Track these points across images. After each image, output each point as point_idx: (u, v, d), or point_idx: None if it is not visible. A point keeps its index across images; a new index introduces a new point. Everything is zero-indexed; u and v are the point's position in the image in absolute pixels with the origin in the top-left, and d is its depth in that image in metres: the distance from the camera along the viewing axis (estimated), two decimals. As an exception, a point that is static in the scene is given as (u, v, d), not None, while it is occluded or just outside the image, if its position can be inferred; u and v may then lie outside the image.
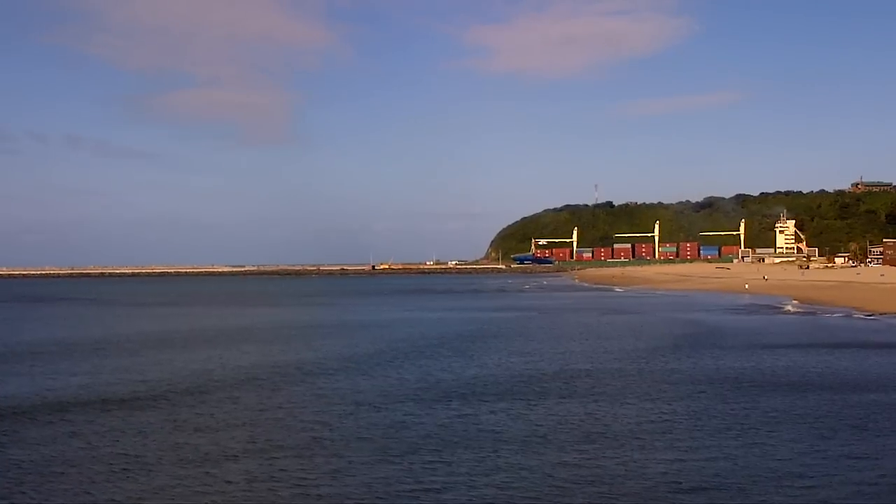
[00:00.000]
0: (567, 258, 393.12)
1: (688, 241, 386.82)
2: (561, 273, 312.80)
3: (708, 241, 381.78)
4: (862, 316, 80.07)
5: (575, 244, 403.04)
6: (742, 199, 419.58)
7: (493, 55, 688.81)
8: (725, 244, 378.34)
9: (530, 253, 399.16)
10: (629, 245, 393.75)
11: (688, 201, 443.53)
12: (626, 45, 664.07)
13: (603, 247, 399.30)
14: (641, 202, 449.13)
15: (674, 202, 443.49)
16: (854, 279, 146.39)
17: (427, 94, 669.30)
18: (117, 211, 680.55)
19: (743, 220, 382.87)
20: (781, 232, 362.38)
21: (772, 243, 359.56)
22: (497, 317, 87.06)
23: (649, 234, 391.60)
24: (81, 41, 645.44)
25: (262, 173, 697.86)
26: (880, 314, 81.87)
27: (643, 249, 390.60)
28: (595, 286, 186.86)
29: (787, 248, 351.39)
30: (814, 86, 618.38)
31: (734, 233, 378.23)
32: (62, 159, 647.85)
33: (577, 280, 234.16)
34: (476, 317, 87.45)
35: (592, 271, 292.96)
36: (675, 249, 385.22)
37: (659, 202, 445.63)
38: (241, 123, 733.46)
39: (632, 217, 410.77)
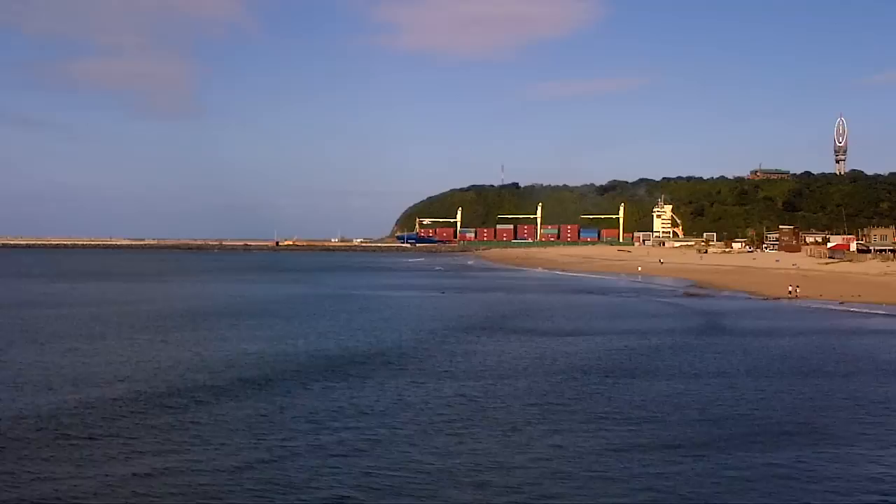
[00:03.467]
0: (451, 238, 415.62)
1: (569, 224, 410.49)
2: (466, 253, 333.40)
3: (589, 224, 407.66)
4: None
5: (459, 224, 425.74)
6: (646, 184, 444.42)
7: (402, 33, 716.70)
8: (605, 227, 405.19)
9: (414, 232, 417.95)
10: (511, 226, 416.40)
11: (592, 184, 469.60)
12: (534, 27, 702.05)
13: (486, 227, 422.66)
14: (547, 184, 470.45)
15: (579, 184, 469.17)
16: (750, 264, 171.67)
17: (334, 70, 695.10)
18: (10, 180, 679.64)
19: (622, 204, 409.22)
20: (659, 216, 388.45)
21: (651, 227, 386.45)
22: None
23: (532, 216, 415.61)
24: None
25: (163, 145, 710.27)
26: (775, 299, 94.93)
27: (525, 231, 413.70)
28: (509, 267, 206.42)
29: (663, 232, 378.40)
30: (718, 73, 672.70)
31: (613, 216, 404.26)
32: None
33: (487, 261, 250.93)
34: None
35: (497, 252, 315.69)
36: (556, 232, 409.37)
37: (564, 184, 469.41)
38: (142, 94, 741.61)
39: (537, 198, 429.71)
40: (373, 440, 28.92)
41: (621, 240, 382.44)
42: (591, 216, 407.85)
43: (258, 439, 28.71)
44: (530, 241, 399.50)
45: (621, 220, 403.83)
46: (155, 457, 26.34)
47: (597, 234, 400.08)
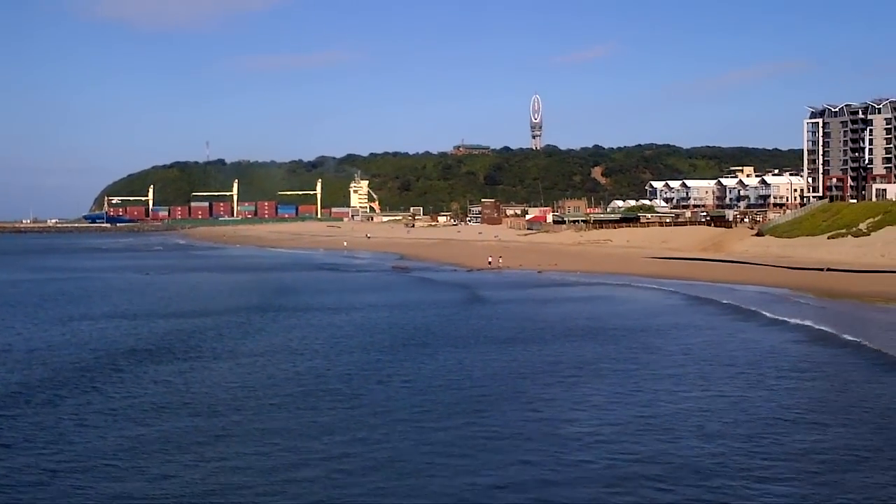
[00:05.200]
0: (143, 217, 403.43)
1: (266, 201, 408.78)
2: (172, 231, 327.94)
3: (287, 201, 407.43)
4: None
5: (151, 203, 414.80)
6: (352, 159, 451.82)
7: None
8: (303, 203, 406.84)
9: (103, 211, 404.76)
10: (206, 203, 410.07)
11: (300, 160, 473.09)
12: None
13: (180, 206, 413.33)
14: (254, 160, 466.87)
15: (287, 161, 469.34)
16: (455, 237, 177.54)
17: (23, 37, 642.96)
18: None
19: (319, 180, 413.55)
20: (356, 191, 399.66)
21: (349, 203, 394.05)
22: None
23: (228, 193, 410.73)
24: None
25: None
26: (478, 269, 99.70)
27: (222, 208, 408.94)
28: (218, 245, 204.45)
29: (360, 207, 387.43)
30: (423, 50, 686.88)
31: (311, 192, 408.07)
32: None
33: (194, 239, 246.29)
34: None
35: (205, 230, 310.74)
36: (253, 209, 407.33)
37: (272, 160, 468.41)
38: None
39: (242, 175, 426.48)
40: (53, 428, 27.92)
41: (319, 215, 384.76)
42: (289, 192, 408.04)
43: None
44: (227, 218, 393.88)
45: (318, 196, 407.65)
46: None
47: (294, 211, 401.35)
